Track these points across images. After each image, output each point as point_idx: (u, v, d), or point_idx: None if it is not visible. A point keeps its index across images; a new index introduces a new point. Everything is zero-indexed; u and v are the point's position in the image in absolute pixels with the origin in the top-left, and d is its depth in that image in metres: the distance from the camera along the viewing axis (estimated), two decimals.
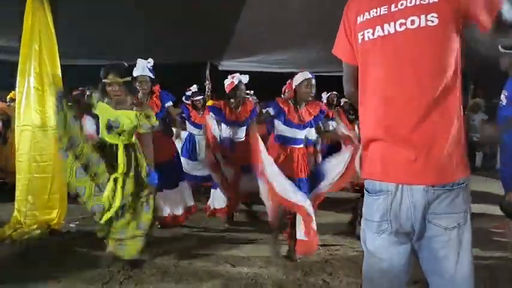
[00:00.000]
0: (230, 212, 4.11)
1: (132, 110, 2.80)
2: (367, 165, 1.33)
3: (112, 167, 2.73)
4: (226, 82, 3.97)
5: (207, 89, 7.39)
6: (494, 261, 3.05)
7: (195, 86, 5.29)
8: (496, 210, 3.92)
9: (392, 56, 1.22)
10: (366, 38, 1.28)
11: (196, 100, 4.97)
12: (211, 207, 4.12)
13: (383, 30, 1.23)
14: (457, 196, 1.19)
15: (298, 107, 3.18)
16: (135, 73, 3.48)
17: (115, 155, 2.76)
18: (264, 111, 3.21)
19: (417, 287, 2.26)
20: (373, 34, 1.26)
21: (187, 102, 5.23)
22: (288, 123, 3.14)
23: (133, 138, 2.89)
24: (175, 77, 7.39)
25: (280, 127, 3.17)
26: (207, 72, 7.50)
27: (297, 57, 6.94)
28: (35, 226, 3.52)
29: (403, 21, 1.19)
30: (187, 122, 4.97)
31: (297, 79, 3.14)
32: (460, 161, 1.20)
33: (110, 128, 2.76)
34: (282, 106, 3.14)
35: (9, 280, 2.64)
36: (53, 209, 3.68)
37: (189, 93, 5.25)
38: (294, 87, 3.16)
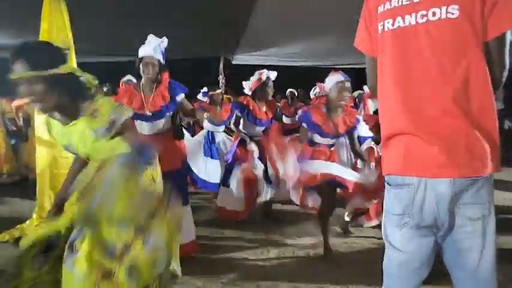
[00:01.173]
0: (245, 214, 3.95)
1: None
2: (388, 160, 1.31)
3: None
4: (253, 78, 3.87)
5: (220, 84, 7.41)
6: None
7: (205, 88, 5.14)
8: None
9: (413, 48, 1.21)
10: (386, 29, 1.27)
11: (215, 94, 4.83)
12: (225, 208, 3.91)
13: (404, 21, 1.22)
14: (482, 186, 1.17)
15: (332, 115, 2.99)
16: (142, 52, 2.85)
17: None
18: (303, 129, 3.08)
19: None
20: (392, 24, 1.24)
21: (204, 99, 5.11)
22: (321, 132, 2.99)
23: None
24: (188, 72, 7.47)
25: (314, 137, 3.06)
26: (221, 66, 7.50)
27: (310, 50, 6.90)
28: None
29: (424, 12, 1.18)
30: (205, 121, 4.92)
31: (328, 82, 2.94)
32: (487, 155, 1.16)
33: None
34: (313, 118, 2.96)
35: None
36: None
37: (205, 89, 5.12)
38: (327, 91, 3.01)
